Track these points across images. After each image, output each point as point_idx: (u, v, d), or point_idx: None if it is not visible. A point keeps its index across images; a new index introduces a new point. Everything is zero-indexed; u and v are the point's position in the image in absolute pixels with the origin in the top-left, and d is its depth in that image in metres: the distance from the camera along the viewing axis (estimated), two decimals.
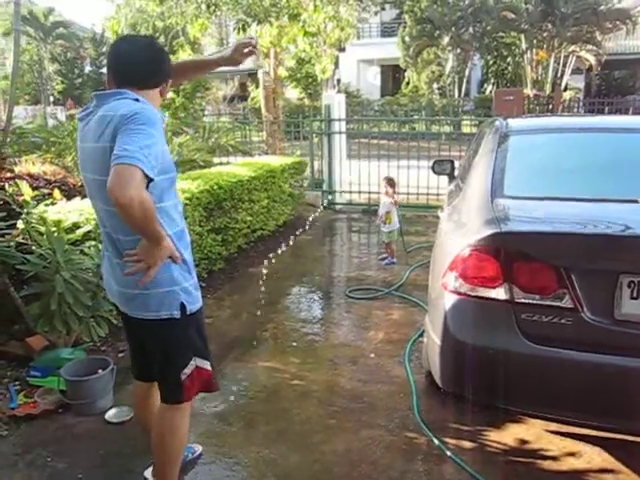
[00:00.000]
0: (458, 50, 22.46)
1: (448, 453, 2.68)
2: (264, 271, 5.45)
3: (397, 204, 5.76)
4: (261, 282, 5.13)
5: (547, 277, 2.30)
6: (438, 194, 7.70)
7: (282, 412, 3.09)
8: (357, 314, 4.44)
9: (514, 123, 3.61)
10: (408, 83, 24.36)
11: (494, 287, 2.35)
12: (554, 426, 2.87)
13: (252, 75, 23.95)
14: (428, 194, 8.11)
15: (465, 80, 23.63)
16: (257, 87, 20.42)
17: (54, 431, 2.91)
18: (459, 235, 2.61)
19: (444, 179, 5.88)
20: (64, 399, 3.06)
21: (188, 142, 7.22)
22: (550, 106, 19.84)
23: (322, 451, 2.74)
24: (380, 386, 3.33)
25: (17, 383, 3.29)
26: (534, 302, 2.31)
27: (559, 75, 22.27)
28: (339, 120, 8.71)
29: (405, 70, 24.09)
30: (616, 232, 2.33)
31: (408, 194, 8.14)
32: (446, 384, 2.65)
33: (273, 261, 5.80)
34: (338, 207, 8.75)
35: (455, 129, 14.46)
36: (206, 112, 15.04)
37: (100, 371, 3.05)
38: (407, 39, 22.58)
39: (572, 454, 2.69)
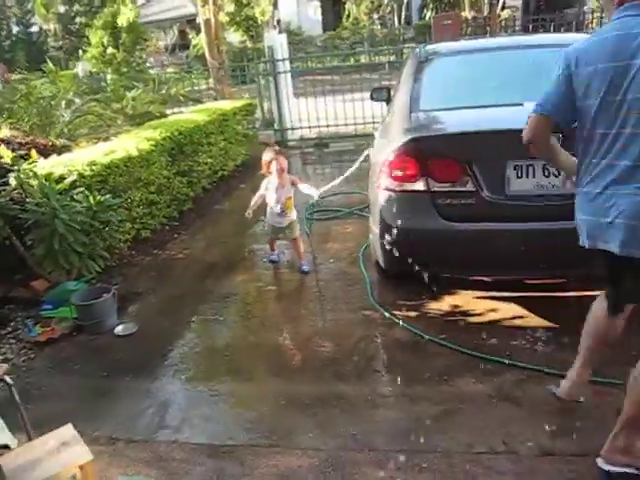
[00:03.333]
0: None
1: (396, 320, 3.39)
2: (230, 207, 6.06)
3: (296, 184, 4.09)
4: (228, 217, 5.74)
5: (454, 169, 2.97)
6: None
7: (263, 309, 3.79)
8: (317, 232, 5.06)
9: (429, 48, 4.20)
10: (349, 16, 24.32)
11: (415, 181, 3.02)
12: (479, 293, 3.60)
13: (191, 22, 23.52)
14: (374, 123, 8.66)
15: (404, 8, 23.73)
16: (198, 34, 20.24)
17: (74, 348, 3.50)
18: (386, 144, 3.25)
19: (385, 109, 6.42)
20: (77, 322, 3.64)
21: (141, 95, 7.54)
22: (487, 27, 20.23)
23: (298, 330, 3.46)
24: (340, 282, 4.02)
25: (30, 319, 3.83)
26: (446, 189, 3.00)
27: None
28: (283, 60, 9.09)
29: (345, 2, 24.00)
30: (501, 128, 2.99)
31: (355, 124, 8.75)
32: (388, 264, 3.35)
33: (236, 198, 6.39)
34: (291, 143, 9.25)
35: (398, 58, 14.86)
36: (148, 64, 14.96)
37: (105, 295, 3.63)
38: None
39: (493, 310, 3.43)
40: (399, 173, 3.07)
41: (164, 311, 3.83)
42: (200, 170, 6.09)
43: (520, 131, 2.99)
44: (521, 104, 3.17)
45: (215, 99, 9.45)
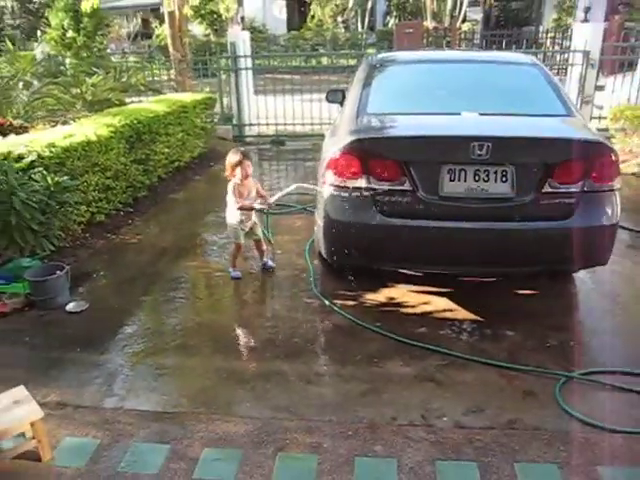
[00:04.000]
0: None
1: (335, 308, 3.64)
2: (184, 197, 6.21)
3: (266, 200, 3.97)
4: (182, 206, 5.90)
5: (393, 169, 3.24)
6: None
7: (211, 293, 3.98)
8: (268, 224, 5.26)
9: (381, 57, 4.49)
10: (313, 17, 24.59)
11: (357, 179, 3.27)
12: (414, 288, 3.89)
13: (155, 11, 23.25)
14: (330, 124, 8.91)
15: (368, 13, 24.18)
16: (161, 24, 20.05)
17: (26, 322, 3.58)
18: (333, 143, 3.49)
19: None
20: (30, 298, 3.74)
21: (101, 82, 7.56)
22: (448, 39, 20.86)
23: (243, 314, 3.68)
24: (286, 272, 4.24)
25: None
26: (385, 188, 3.26)
27: (458, 7, 23.27)
28: (244, 57, 9.25)
29: (310, 3, 24.25)
30: (438, 134, 3.29)
31: (312, 124, 9.04)
32: (329, 255, 3.60)
33: (191, 189, 6.55)
34: (248, 139, 9.42)
35: (359, 62, 15.21)
36: (109, 50, 14.77)
37: (58, 272, 3.74)
38: None
39: (425, 303, 3.72)
40: (342, 171, 3.32)
41: (115, 291, 3.97)
42: (157, 159, 6.20)
43: (455, 138, 3.32)
44: (459, 114, 3.50)
45: (176, 91, 9.50)
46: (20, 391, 2.19)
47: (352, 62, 15.60)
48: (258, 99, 9.52)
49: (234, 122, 9.37)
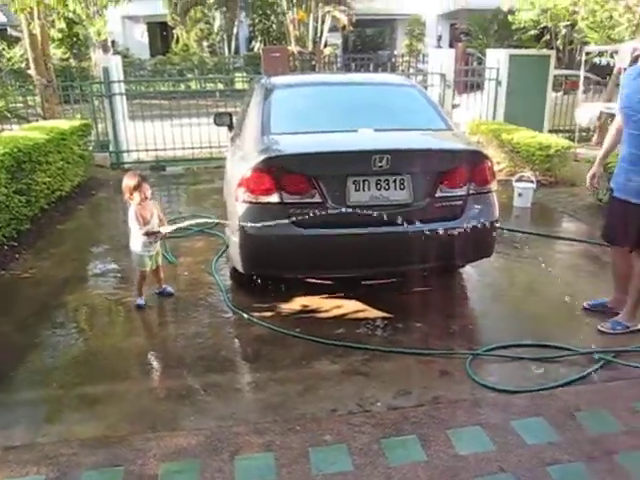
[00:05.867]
0: (224, 9, 23.21)
1: (254, 320, 3.76)
2: (70, 226, 5.97)
3: (164, 223, 4.00)
4: (70, 236, 5.68)
5: (303, 183, 3.47)
6: (219, 146, 8.63)
7: (126, 319, 3.91)
8: (172, 250, 5.22)
9: (275, 80, 4.75)
10: (178, 41, 24.41)
11: (270, 194, 3.46)
12: (325, 294, 4.13)
13: (1, 32, 21.62)
14: (211, 147, 9.01)
15: (234, 38, 24.56)
16: (10, 47, 18.73)
17: None
18: (242, 163, 3.65)
19: (222, 134, 6.80)
20: None
21: None
22: (313, 62, 21.82)
23: (163, 334, 3.69)
24: (197, 292, 4.28)
25: None
26: (297, 201, 3.48)
27: (319, 33, 24.42)
28: (119, 82, 9.04)
29: (174, 28, 24.07)
30: (341, 149, 3.58)
31: (193, 148, 9.11)
32: (247, 269, 3.73)
33: (76, 218, 6.32)
34: (127, 166, 9.15)
35: (228, 86, 15.41)
36: None
37: None
38: None
39: (338, 307, 3.97)
40: (255, 188, 3.49)
41: (19, 328, 3.72)
42: (39, 189, 5.89)
43: (358, 152, 3.65)
44: (356, 130, 3.84)
45: (44, 118, 9.03)
46: None
47: (221, 86, 15.93)
48: (135, 124, 9.34)
49: (111, 149, 9.10)
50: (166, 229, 3.93)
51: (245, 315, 3.81)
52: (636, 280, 3.43)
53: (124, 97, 9.34)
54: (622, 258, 3.58)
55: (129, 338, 3.61)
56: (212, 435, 2.54)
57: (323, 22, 24.18)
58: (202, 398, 2.88)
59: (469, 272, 4.53)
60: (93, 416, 2.77)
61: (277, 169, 3.46)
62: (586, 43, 11.53)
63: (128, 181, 3.83)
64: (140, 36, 26.52)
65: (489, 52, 10.32)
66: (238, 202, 3.57)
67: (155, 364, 3.29)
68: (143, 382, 3.08)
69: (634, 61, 8.60)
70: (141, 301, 4.01)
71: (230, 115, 5.75)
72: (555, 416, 2.68)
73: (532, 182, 6.44)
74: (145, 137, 8.97)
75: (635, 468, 2.35)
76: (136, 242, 3.92)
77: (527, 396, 2.86)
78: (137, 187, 3.78)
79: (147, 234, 3.85)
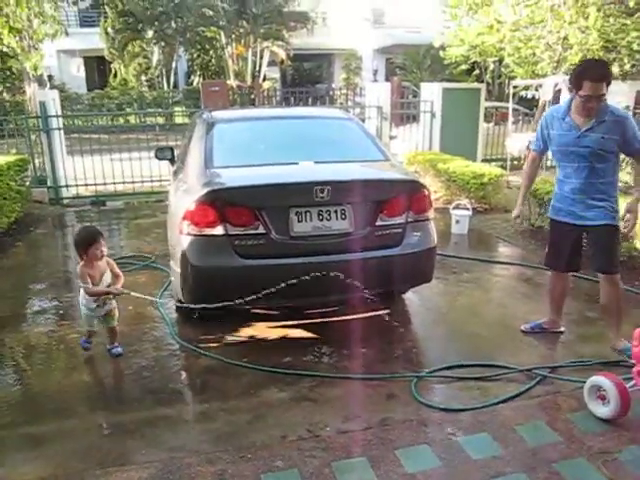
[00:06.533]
0: (163, 43, 23.30)
1: (201, 351, 3.76)
2: (8, 264, 5.80)
3: (120, 279, 3.65)
4: (9, 274, 5.51)
5: (246, 215, 3.56)
6: (160, 180, 8.60)
7: (70, 355, 3.82)
8: None
9: (216, 114, 4.84)
10: (115, 75, 24.21)
11: (214, 227, 3.53)
12: (271, 324, 4.18)
13: None
14: (152, 181, 8.95)
15: (173, 72, 24.60)
16: None
17: None
18: (186, 196, 3.70)
19: (163, 168, 6.80)
20: None
21: None
22: (252, 96, 22.12)
23: (114, 371, 3.65)
24: (143, 326, 4.24)
25: None
26: (241, 232, 3.55)
27: (258, 67, 24.84)
28: (57, 116, 8.91)
29: (111, 62, 23.88)
30: (283, 182, 3.70)
31: (134, 182, 8.97)
32: (190, 300, 3.74)
33: (14, 255, 6.17)
34: (66, 201, 8.97)
35: (168, 120, 15.42)
36: None
37: None
38: (110, 31, 22.47)
39: (284, 336, 4.03)
40: (199, 220, 3.54)
41: None
42: None
43: (300, 184, 3.76)
44: (297, 163, 3.97)
45: None
46: None
47: (160, 120, 15.89)
48: (74, 159, 9.18)
49: (49, 184, 8.90)
50: (116, 291, 3.56)
51: (191, 347, 3.81)
52: (614, 305, 3.60)
53: (62, 131, 9.19)
54: (561, 282, 3.82)
55: (73, 375, 3.53)
56: (164, 467, 2.53)
57: (262, 57, 24.68)
58: (152, 431, 2.86)
59: (411, 298, 4.69)
60: (40, 455, 2.70)
61: (221, 202, 3.53)
62: (513, 77, 12.33)
63: (79, 239, 3.53)
64: (76, 70, 26.11)
65: (423, 85, 10.83)
66: (182, 235, 3.60)
67: (102, 400, 3.23)
68: (90, 418, 3.02)
69: (556, 95, 9.28)
70: (86, 344, 3.74)
71: (172, 149, 5.79)
72: (497, 431, 2.82)
73: (468, 209, 6.75)
74: (84, 172, 8.82)
75: (572, 475, 2.51)
76: (83, 302, 3.60)
77: (471, 413, 2.99)
78: (89, 246, 3.43)
79: (93, 294, 3.50)
